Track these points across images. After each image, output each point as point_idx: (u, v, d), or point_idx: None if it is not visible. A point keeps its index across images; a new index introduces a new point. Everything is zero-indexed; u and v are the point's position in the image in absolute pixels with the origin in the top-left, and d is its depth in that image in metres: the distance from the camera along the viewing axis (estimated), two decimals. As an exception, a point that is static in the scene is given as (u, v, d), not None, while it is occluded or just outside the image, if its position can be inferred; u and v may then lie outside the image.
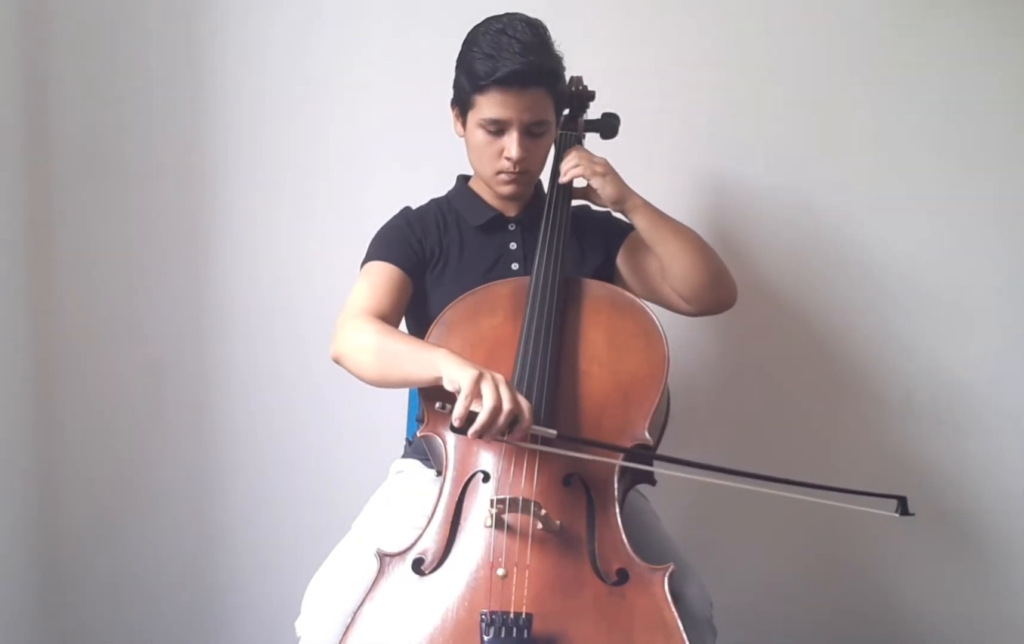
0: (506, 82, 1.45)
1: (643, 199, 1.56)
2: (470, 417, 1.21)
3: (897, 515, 1.27)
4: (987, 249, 2.10)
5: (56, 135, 2.07)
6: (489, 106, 1.48)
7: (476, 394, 1.22)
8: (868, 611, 2.18)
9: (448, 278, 1.58)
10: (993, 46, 2.05)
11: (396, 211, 1.66)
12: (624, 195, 1.55)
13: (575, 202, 1.61)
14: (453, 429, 1.23)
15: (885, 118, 2.08)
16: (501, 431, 1.22)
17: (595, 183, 1.55)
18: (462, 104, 1.54)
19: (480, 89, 1.48)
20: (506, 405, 1.21)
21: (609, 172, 1.56)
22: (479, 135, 1.52)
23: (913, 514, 1.27)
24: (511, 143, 1.50)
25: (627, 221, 1.60)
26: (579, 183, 1.60)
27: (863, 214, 2.10)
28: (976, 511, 2.14)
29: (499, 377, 1.24)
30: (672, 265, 1.55)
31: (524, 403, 1.24)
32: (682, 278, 1.55)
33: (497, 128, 1.50)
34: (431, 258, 1.59)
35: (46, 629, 2.15)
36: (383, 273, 1.54)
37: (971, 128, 2.07)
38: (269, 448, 2.16)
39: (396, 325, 1.52)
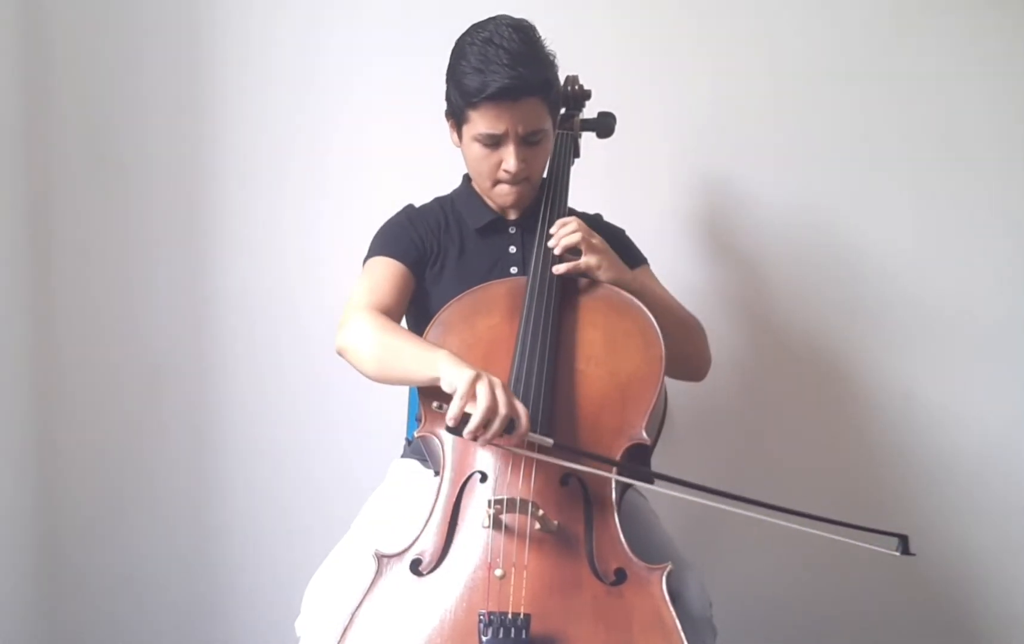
0: (497, 97, 1.43)
1: (640, 282, 1.50)
2: (465, 418, 1.21)
3: (898, 554, 1.26)
4: (986, 249, 2.09)
5: (56, 135, 2.07)
6: (483, 121, 1.47)
7: (471, 395, 1.21)
8: (868, 609, 2.18)
9: (447, 279, 1.57)
10: (993, 46, 2.05)
11: (397, 210, 1.65)
12: (618, 277, 1.48)
13: (581, 210, 1.60)
14: (449, 430, 1.23)
15: (884, 119, 2.08)
16: (496, 434, 1.22)
17: (590, 261, 1.45)
18: (455, 118, 1.53)
19: (472, 105, 1.46)
20: (502, 409, 1.21)
21: (606, 252, 1.47)
22: (475, 148, 1.51)
23: (914, 554, 1.25)
24: (508, 155, 1.49)
25: (641, 252, 1.63)
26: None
27: (861, 214, 2.10)
28: (976, 511, 2.14)
29: (496, 380, 1.23)
30: None
31: (521, 408, 1.23)
32: None
33: (493, 141, 1.49)
34: (430, 255, 1.58)
35: (46, 629, 2.15)
36: (385, 268, 1.53)
37: (970, 128, 2.07)
38: (268, 448, 2.16)
39: (399, 320, 1.51)
